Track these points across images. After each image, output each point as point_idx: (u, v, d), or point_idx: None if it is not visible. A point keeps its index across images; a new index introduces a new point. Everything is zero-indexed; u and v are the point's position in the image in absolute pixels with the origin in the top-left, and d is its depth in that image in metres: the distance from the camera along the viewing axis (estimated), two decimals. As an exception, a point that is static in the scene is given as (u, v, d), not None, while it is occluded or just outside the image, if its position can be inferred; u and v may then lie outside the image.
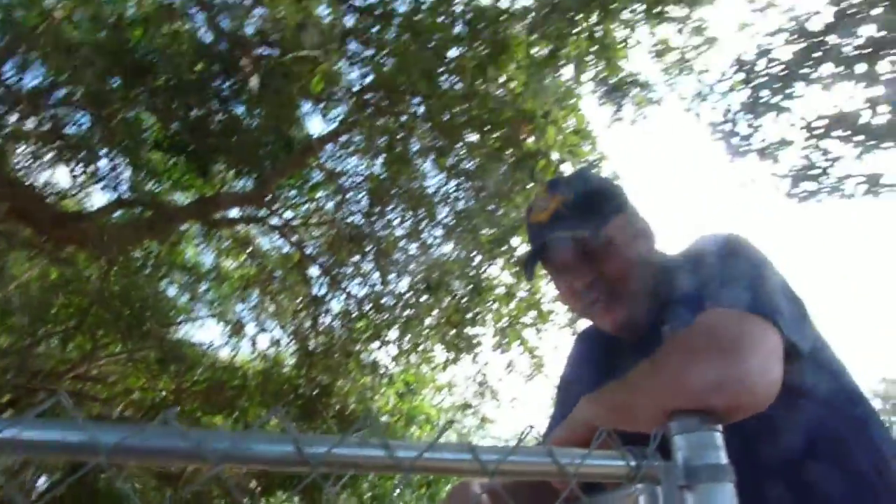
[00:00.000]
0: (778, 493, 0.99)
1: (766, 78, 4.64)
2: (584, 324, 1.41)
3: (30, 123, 5.89)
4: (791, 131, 4.65)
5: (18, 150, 6.08)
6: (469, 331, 6.89)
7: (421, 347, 7.51)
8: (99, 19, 5.64)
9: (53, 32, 5.32)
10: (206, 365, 8.70)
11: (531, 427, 0.77)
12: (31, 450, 0.57)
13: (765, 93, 4.64)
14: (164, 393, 8.50)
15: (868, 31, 4.32)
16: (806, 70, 4.49)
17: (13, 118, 5.73)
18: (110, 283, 6.95)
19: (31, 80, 5.95)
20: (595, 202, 1.22)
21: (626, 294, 1.17)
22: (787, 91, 4.57)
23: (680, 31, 5.55)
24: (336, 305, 7.57)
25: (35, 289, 7.74)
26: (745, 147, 4.80)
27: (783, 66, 4.58)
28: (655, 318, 1.13)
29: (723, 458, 0.78)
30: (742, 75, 4.77)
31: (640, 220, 1.27)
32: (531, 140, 4.19)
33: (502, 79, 4.72)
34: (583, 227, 1.17)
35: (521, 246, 5.94)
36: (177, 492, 8.09)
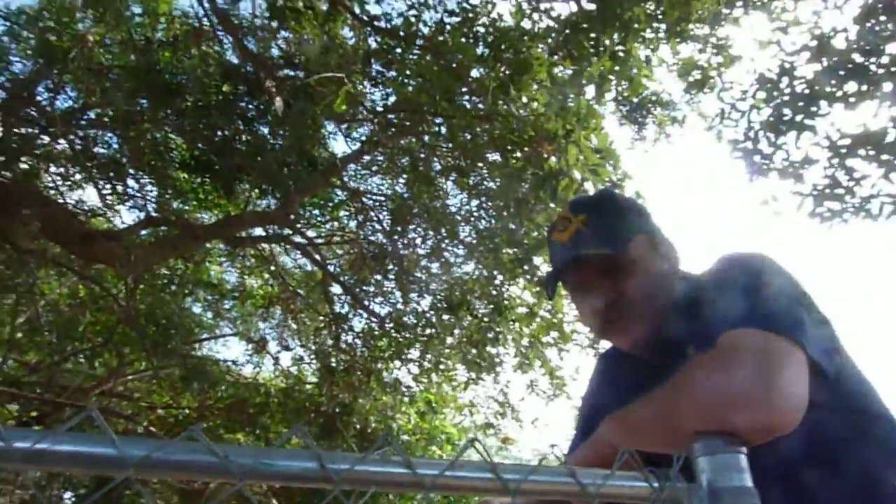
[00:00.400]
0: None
1: (788, 96, 4.60)
2: (606, 345, 1.40)
3: (61, 144, 6.04)
4: (815, 150, 4.60)
5: (50, 170, 6.23)
6: (490, 350, 6.86)
7: (442, 366, 7.49)
8: (129, 42, 5.79)
9: (85, 56, 5.47)
10: (229, 382, 8.77)
11: (553, 446, 0.77)
12: (62, 463, 0.58)
13: (787, 111, 4.61)
14: (187, 410, 8.56)
15: (894, 48, 4.28)
16: (830, 88, 4.45)
17: (45, 139, 5.88)
18: (136, 301, 7.05)
19: (63, 101, 6.12)
20: (617, 222, 1.22)
21: (647, 314, 1.16)
22: (811, 109, 4.53)
23: (702, 49, 5.55)
24: (358, 323, 7.60)
25: (64, 306, 7.87)
26: (767, 166, 4.76)
27: (806, 84, 4.55)
28: (678, 339, 1.12)
29: (747, 480, 0.78)
30: (764, 94, 4.73)
31: (663, 239, 1.26)
32: (553, 160, 4.20)
33: (524, 98, 4.74)
34: (604, 247, 1.17)
35: (542, 265, 5.92)
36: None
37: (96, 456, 0.58)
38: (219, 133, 5.80)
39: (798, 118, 4.42)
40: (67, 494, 10.38)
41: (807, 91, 4.44)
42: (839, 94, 4.32)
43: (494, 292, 6.41)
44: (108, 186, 6.15)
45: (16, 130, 5.56)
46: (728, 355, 0.91)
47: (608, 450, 0.92)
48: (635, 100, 6.06)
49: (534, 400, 7.48)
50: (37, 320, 7.35)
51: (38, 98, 5.78)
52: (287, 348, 8.49)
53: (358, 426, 7.93)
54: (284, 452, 0.65)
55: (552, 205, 4.81)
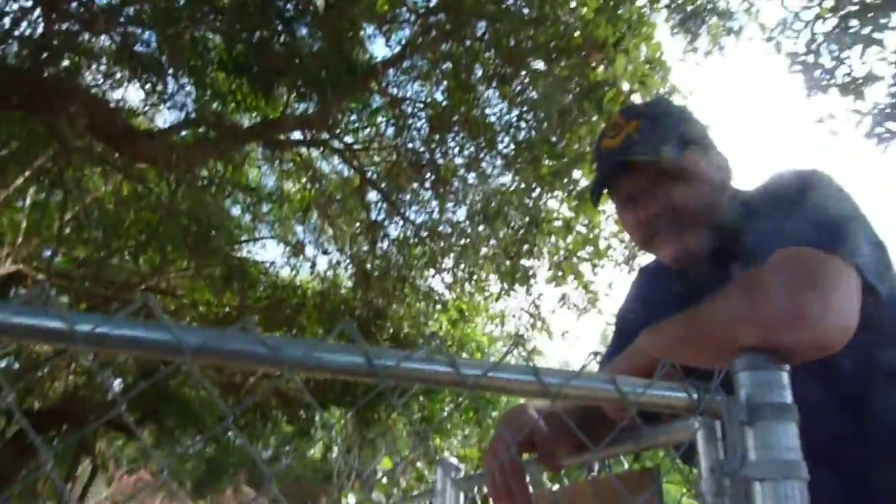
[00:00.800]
0: (844, 437, 0.97)
1: (857, 5, 4.30)
2: (642, 261, 1.38)
3: (102, 41, 6.02)
4: (880, 66, 4.33)
5: (92, 67, 6.24)
6: (524, 262, 6.89)
7: (475, 276, 7.57)
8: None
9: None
10: (268, 283, 9.02)
11: (594, 354, 0.77)
12: (122, 346, 0.61)
13: (855, 22, 4.32)
14: (227, 308, 8.87)
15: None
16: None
17: (87, 36, 5.85)
18: (178, 201, 7.18)
19: (103, -3, 6.02)
20: (670, 130, 1.17)
21: (696, 227, 1.13)
22: (881, 21, 4.24)
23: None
24: (393, 231, 7.67)
25: (108, 204, 8.07)
26: (827, 81, 4.51)
27: (878, -6, 4.24)
28: (726, 255, 1.10)
29: (787, 397, 0.77)
30: (832, 1, 4.43)
31: (717, 152, 1.22)
32: (601, 69, 4.04)
33: (573, 3, 4.52)
34: (656, 154, 1.13)
35: (582, 179, 5.83)
36: (239, 402, 8.55)
37: (155, 341, 0.60)
38: (257, 34, 5.69)
39: (865, 30, 4.15)
40: (116, 381, 11.02)
41: (877, 1, 4.14)
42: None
43: (531, 204, 6.36)
44: (148, 86, 6.15)
45: (58, 26, 5.54)
46: (779, 272, 0.89)
47: (646, 361, 0.92)
48: (689, 7, 5.73)
49: (565, 313, 7.56)
50: (84, 217, 7.58)
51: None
52: (324, 252, 8.64)
53: (391, 330, 8.16)
54: (333, 346, 0.66)
55: (596, 117, 4.68)
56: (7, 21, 5.62)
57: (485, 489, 1.44)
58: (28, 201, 7.73)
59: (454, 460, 1.52)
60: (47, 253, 8.30)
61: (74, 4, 5.53)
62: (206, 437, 9.80)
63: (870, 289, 0.90)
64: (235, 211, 9.36)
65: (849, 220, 0.99)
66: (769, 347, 0.79)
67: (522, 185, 6.30)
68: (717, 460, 0.78)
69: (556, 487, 1.24)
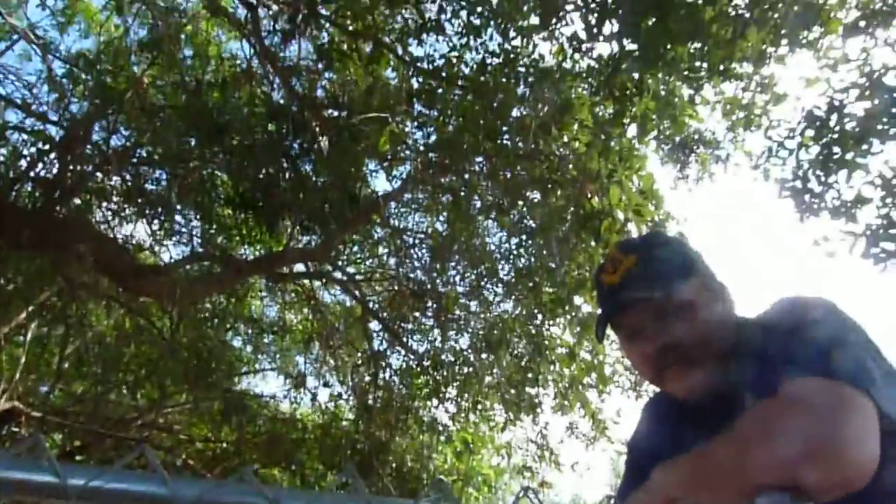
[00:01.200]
0: None
1: (838, 134, 4.51)
2: (649, 389, 1.36)
3: (114, 180, 6.25)
4: (867, 188, 4.47)
5: (103, 206, 6.43)
6: (529, 391, 6.76)
7: (480, 406, 7.40)
8: (181, 84, 6.01)
9: (139, 96, 5.68)
10: (267, 417, 8.79)
11: (609, 497, 0.74)
12: (115, 501, 0.58)
13: (837, 149, 4.50)
14: (225, 444, 8.59)
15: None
16: (882, 126, 4.34)
17: (99, 176, 6.09)
18: (179, 334, 7.16)
19: (117, 140, 6.34)
20: (669, 263, 1.18)
21: (702, 359, 1.11)
22: (862, 147, 4.42)
23: (746, 88, 5.49)
24: (396, 361, 7.58)
25: (109, 338, 8.04)
26: (817, 205, 4.64)
27: (857, 122, 4.45)
28: (735, 386, 1.07)
29: (815, 539, 0.73)
30: (813, 132, 4.64)
31: (717, 282, 1.22)
32: (595, 199, 4.17)
33: (566, 138, 4.74)
34: (656, 290, 1.14)
35: (583, 306, 5.84)
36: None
37: (149, 496, 0.57)
38: (263, 171, 5.93)
39: (849, 156, 4.32)
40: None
41: (857, 129, 4.34)
42: (892, 131, 4.22)
43: (534, 332, 6.34)
44: (156, 222, 6.32)
45: (72, 168, 5.78)
46: (793, 404, 0.86)
47: (663, 500, 0.88)
48: (678, 138, 6.01)
49: (573, 443, 7.31)
50: (84, 352, 7.52)
51: (94, 137, 6.01)
52: (326, 385, 8.50)
53: (394, 465, 7.85)
54: (334, 497, 0.63)
55: (593, 244, 4.77)
56: (24, 163, 5.88)
57: None
58: (29, 336, 7.70)
59: None
60: (44, 389, 8.16)
61: (89, 148, 5.80)
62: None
63: (886, 419, 0.88)
64: (237, 342, 9.31)
65: (860, 348, 0.98)
66: (788, 486, 0.75)
67: (524, 313, 6.31)
68: None
69: None
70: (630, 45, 4.46)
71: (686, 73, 4.52)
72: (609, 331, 1.26)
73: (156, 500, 0.57)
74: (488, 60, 5.05)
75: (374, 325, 7.58)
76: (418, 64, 5.35)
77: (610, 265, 1.22)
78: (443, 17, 4.90)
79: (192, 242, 6.88)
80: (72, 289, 5.94)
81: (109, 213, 6.54)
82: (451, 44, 5.33)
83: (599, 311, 1.27)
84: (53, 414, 7.77)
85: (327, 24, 5.47)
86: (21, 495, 0.57)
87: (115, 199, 6.40)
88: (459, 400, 7.32)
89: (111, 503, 0.57)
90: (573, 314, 5.78)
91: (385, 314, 7.29)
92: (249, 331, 9.13)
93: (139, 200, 6.08)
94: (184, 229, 6.76)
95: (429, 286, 6.65)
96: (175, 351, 6.99)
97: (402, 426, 7.62)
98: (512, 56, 4.98)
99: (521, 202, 5.42)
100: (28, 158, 5.84)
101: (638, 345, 1.17)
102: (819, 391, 0.87)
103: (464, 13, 4.83)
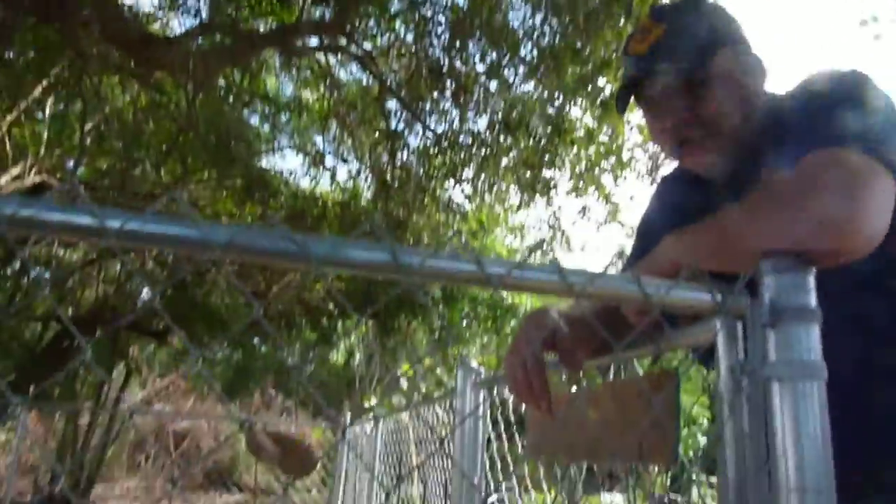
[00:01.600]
0: (862, 348, 0.97)
1: None
2: (665, 171, 1.35)
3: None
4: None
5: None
6: (545, 173, 6.82)
7: (496, 187, 7.52)
8: None
9: None
10: (289, 194, 9.06)
11: (619, 255, 0.77)
12: (152, 242, 0.61)
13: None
14: (249, 218, 8.96)
15: None
16: None
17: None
18: (197, 111, 7.12)
19: None
20: (701, 32, 1.11)
21: (727, 134, 1.09)
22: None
23: None
24: (413, 141, 7.58)
25: (129, 114, 8.03)
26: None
27: None
28: (757, 161, 1.07)
29: (812, 300, 0.76)
30: None
31: (751, 54, 1.16)
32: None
33: None
34: (685, 59, 1.09)
35: (607, 87, 5.66)
36: (267, 307, 8.77)
37: (183, 237, 0.60)
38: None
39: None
40: (145, 291, 11.33)
41: None
42: None
43: (554, 113, 6.22)
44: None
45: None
46: (811, 174, 0.86)
47: (669, 266, 0.90)
48: None
49: (585, 225, 7.54)
50: (104, 127, 7.56)
51: None
52: (344, 161, 8.61)
53: (411, 241, 8.21)
54: (359, 244, 0.66)
55: (623, 21, 4.49)
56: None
57: (505, 391, 1.48)
58: (48, 112, 7.70)
59: (474, 363, 1.56)
60: (70, 164, 8.35)
61: None
62: (240, 327, 10.09)
63: None
64: (254, 121, 9.29)
65: (889, 122, 0.95)
66: (793, 251, 0.77)
67: (545, 94, 6.14)
68: (737, 360, 0.78)
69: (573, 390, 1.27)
70: None
71: None
72: (632, 108, 1.23)
73: (189, 242, 0.60)
74: None
75: (392, 103, 7.46)
76: None
77: (639, 33, 1.16)
78: None
79: (199, 13, 6.57)
80: (83, 60, 5.80)
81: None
82: None
83: (623, 79, 1.23)
84: (83, 187, 8.02)
85: None
86: (61, 235, 0.60)
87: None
88: (476, 180, 7.43)
89: (147, 243, 0.60)
90: (596, 95, 5.62)
91: (403, 92, 7.14)
92: (266, 109, 9.06)
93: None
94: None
95: (448, 64, 6.42)
96: (194, 127, 7.01)
97: (419, 205, 7.84)
98: None
99: (548, -28, 5.02)
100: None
101: (660, 116, 1.15)
102: (839, 162, 0.86)
103: None
